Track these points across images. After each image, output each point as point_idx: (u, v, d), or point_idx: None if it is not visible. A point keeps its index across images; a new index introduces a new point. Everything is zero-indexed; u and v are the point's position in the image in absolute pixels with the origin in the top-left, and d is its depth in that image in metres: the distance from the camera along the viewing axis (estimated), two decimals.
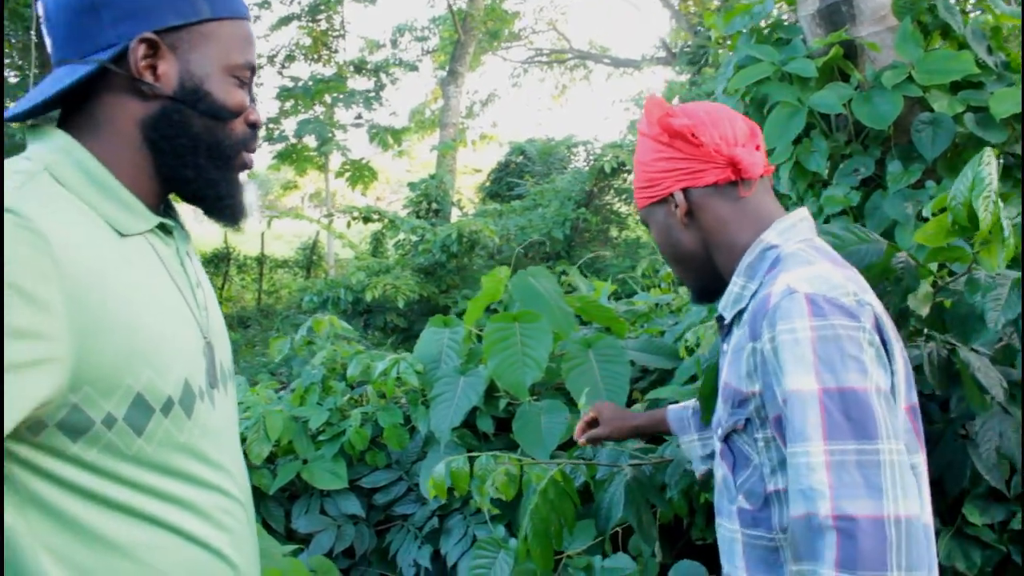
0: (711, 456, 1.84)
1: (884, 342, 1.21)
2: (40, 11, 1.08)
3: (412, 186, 12.48)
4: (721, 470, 1.39)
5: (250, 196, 1.27)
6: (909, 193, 2.30)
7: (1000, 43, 2.45)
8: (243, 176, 1.20)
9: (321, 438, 2.91)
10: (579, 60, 25.04)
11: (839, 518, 1.09)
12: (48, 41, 1.08)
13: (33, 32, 11.11)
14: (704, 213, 1.38)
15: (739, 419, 1.30)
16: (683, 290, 3.82)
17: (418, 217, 11.52)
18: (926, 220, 2.27)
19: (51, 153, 1.03)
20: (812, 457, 1.13)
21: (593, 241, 11.19)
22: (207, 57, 1.09)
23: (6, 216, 0.90)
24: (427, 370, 2.84)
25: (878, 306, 1.25)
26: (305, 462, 2.88)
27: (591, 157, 12.73)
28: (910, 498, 1.11)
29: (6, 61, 13.31)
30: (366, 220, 10.07)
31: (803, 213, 1.39)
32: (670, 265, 1.50)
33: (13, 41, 13.13)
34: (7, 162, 1.01)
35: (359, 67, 16.94)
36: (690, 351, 2.95)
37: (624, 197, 11.68)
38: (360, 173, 14.52)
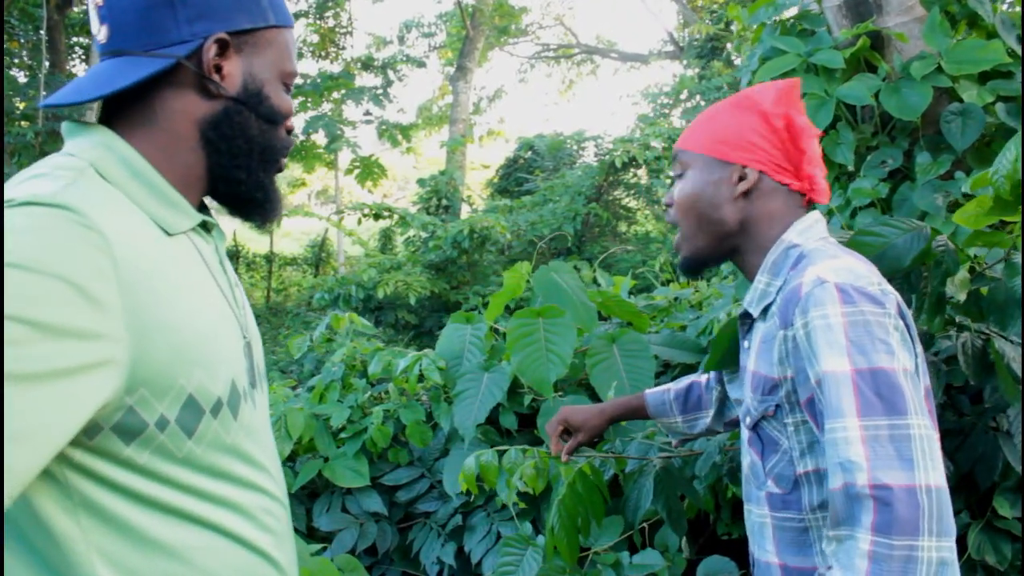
0: (699, 434, 1.96)
1: (907, 327, 1.31)
2: None
3: (422, 182, 12.47)
4: (749, 457, 1.47)
5: None
6: (938, 184, 2.27)
7: None
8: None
9: (342, 436, 2.90)
10: (586, 55, 25.02)
11: (876, 487, 1.16)
12: (102, 28, 1.05)
13: (43, 31, 11.14)
14: (761, 202, 1.45)
15: (769, 405, 1.38)
16: (703, 284, 3.80)
17: (428, 213, 11.50)
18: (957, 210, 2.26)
19: (94, 148, 1.01)
20: (849, 432, 1.20)
21: (603, 236, 11.16)
22: (267, 62, 1.11)
23: (65, 213, 0.88)
24: (449, 366, 2.82)
25: (896, 293, 1.34)
26: (327, 460, 2.87)
27: (601, 152, 12.70)
28: (938, 469, 1.18)
29: (15, 60, 13.34)
30: (376, 217, 10.05)
31: (817, 215, 1.47)
32: (684, 217, 1.52)
33: (22, 41, 13.15)
34: (47, 160, 0.99)
35: (367, 64, 16.92)
36: None
37: (633, 192, 11.65)
38: (369, 170, 14.51)
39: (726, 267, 2.83)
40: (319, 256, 16.81)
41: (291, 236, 20.45)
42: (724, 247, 1.50)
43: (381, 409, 2.89)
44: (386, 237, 13.54)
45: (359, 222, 10.26)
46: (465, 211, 12.49)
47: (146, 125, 1.05)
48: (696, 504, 2.34)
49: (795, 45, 2.46)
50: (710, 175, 1.47)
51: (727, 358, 1.75)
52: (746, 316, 1.49)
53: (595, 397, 2.69)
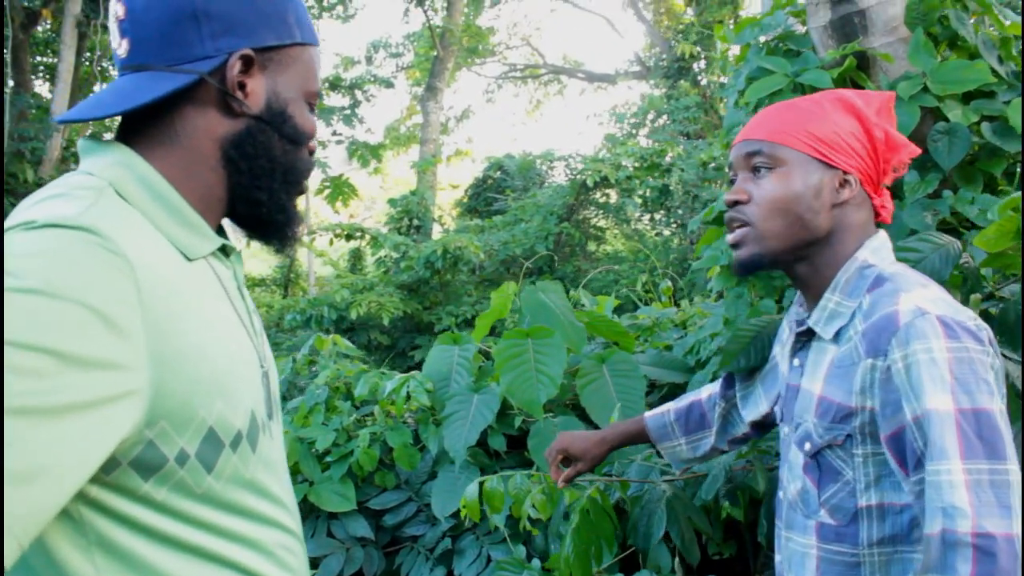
0: (703, 457, 1.89)
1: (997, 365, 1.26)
2: (117, 10, 1.02)
3: (392, 202, 12.43)
4: (800, 483, 1.39)
5: None
6: (927, 203, 2.29)
7: (1010, 53, 2.45)
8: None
9: (328, 459, 2.86)
10: (553, 75, 25.14)
11: (979, 535, 1.12)
12: (123, 43, 1.01)
13: (7, 51, 10.99)
14: (854, 212, 1.39)
15: (839, 434, 1.31)
16: (685, 303, 3.81)
17: (400, 234, 11.47)
18: (947, 229, 2.28)
19: (112, 168, 0.97)
20: (953, 475, 1.15)
21: (575, 256, 11.19)
22: (292, 80, 1.08)
23: (87, 235, 0.84)
24: (437, 388, 2.80)
25: (989, 329, 1.28)
26: (311, 484, 2.83)
27: (572, 172, 12.75)
28: None
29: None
30: (349, 237, 10.00)
31: (884, 235, 1.42)
32: (771, 215, 1.38)
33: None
34: (64, 179, 0.95)
35: (335, 84, 16.89)
36: (701, 364, 2.94)
37: (604, 211, 11.70)
38: (340, 190, 14.45)
39: (715, 285, 2.83)
40: (287, 277, 16.68)
41: (258, 256, 20.23)
42: (797, 254, 1.40)
43: (367, 432, 2.86)
44: (356, 257, 13.47)
45: (331, 243, 10.21)
46: (436, 231, 12.47)
47: (166, 143, 1.01)
48: (701, 530, 2.33)
49: (782, 65, 2.48)
50: (811, 177, 1.37)
51: (740, 362, 1.74)
52: (805, 334, 1.42)
53: (585, 417, 2.68)
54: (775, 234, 1.38)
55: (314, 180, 15.21)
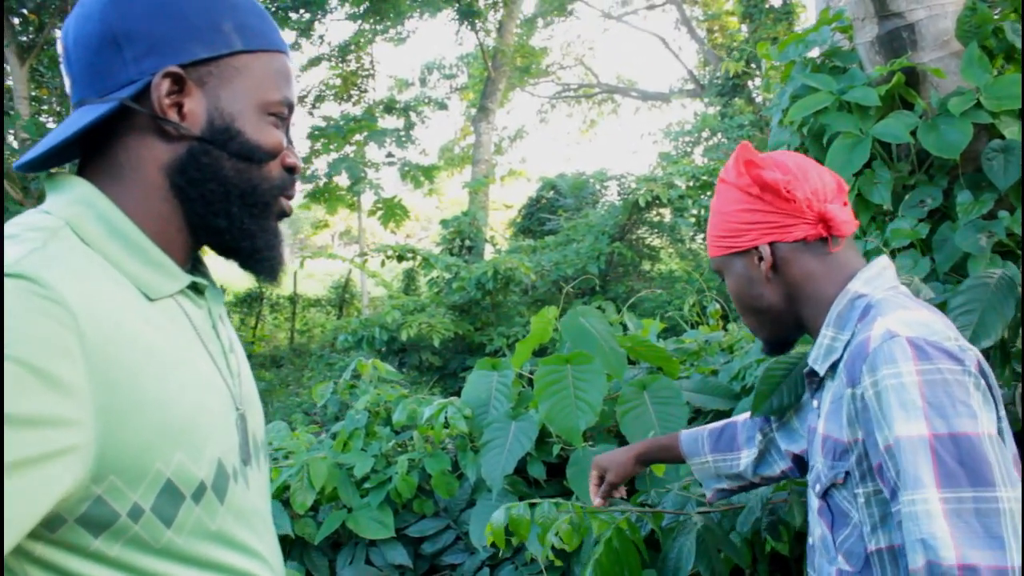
0: (732, 479, 1.83)
1: (989, 386, 1.19)
2: (59, 49, 0.99)
3: (444, 223, 12.47)
4: (820, 528, 1.36)
5: (285, 247, 1.16)
6: (981, 224, 2.19)
7: None
8: (282, 225, 1.09)
9: (366, 485, 2.83)
10: (607, 94, 25.12)
11: (964, 567, 1.05)
12: (67, 82, 0.98)
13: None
14: (790, 268, 1.38)
15: (839, 472, 1.28)
16: (733, 327, 3.72)
17: (451, 254, 11.49)
18: (1003, 251, 2.18)
19: (71, 205, 0.92)
20: (929, 504, 1.09)
21: (627, 275, 11.10)
22: (239, 93, 0.98)
23: (23, 283, 0.79)
24: (475, 415, 2.75)
25: (975, 349, 1.22)
26: (350, 510, 2.80)
27: (623, 191, 12.68)
28: None
29: (44, 107, 13.47)
30: (400, 258, 10.04)
31: (885, 262, 1.39)
32: (743, 315, 1.48)
33: (51, 88, 13.30)
34: (22, 218, 0.91)
35: (389, 106, 17.05)
36: (746, 391, 2.85)
37: (657, 231, 11.60)
38: (392, 211, 14.55)
39: None
40: (342, 297, 16.84)
41: (315, 277, 20.51)
42: (789, 322, 1.43)
43: (406, 458, 2.82)
44: (409, 278, 13.54)
45: (383, 264, 10.26)
46: (488, 252, 12.48)
47: (116, 176, 0.96)
48: (734, 559, 2.24)
49: (827, 83, 2.40)
50: (736, 271, 1.43)
51: (773, 403, 1.69)
52: (813, 374, 1.41)
53: (625, 444, 2.61)
54: (756, 327, 1.47)
55: (367, 202, 15.34)
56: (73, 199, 0.93)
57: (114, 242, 0.92)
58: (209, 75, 0.97)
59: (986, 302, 1.77)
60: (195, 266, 1.07)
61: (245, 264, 1.05)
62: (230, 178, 0.99)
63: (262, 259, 1.04)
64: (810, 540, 1.43)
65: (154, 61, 0.95)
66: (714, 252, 1.46)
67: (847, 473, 1.26)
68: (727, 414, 2.82)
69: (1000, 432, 1.16)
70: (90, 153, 0.98)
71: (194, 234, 1.01)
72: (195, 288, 1.02)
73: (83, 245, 0.90)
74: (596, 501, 1.91)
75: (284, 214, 1.07)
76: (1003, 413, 1.21)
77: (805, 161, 1.40)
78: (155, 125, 0.96)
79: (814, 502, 1.38)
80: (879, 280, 1.35)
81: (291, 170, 1.06)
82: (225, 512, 0.95)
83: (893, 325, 1.20)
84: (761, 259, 1.38)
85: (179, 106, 0.96)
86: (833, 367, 1.34)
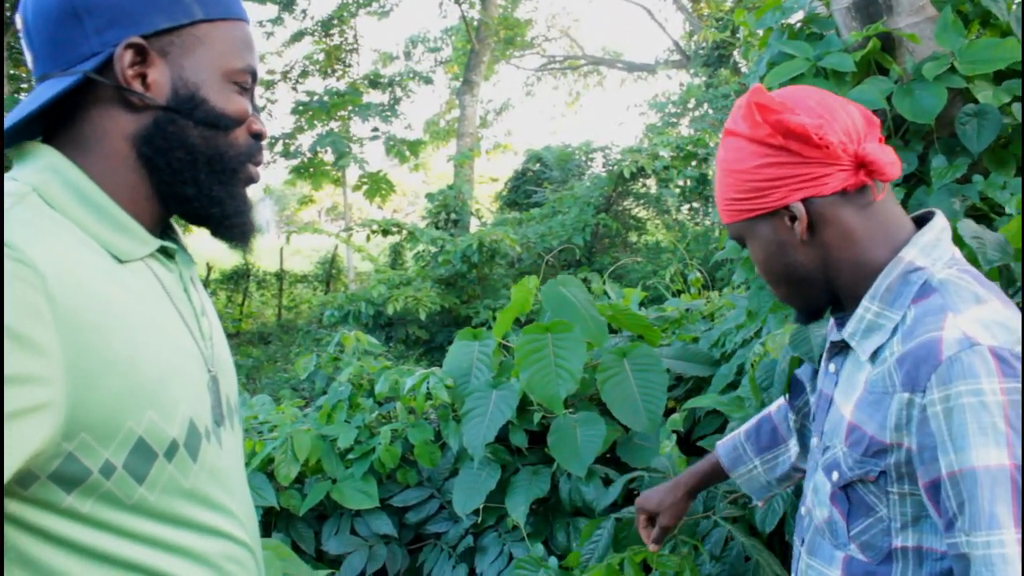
0: (784, 478, 1.66)
1: None
2: (19, 24, 0.99)
3: (430, 197, 12.44)
4: (827, 511, 1.22)
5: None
6: (955, 188, 2.20)
7: None
8: (251, 191, 1.10)
9: (350, 457, 2.84)
10: (592, 66, 25.01)
11: None
12: (29, 57, 0.99)
13: None
14: (829, 227, 1.16)
15: (872, 471, 1.12)
16: (714, 295, 3.73)
17: (437, 228, 11.47)
18: (976, 215, 2.19)
19: (39, 173, 0.93)
20: (1007, 548, 0.95)
21: (613, 247, 11.11)
22: (202, 62, 1.00)
23: None
24: (457, 384, 2.77)
25: None
26: (334, 481, 2.81)
27: (609, 163, 12.66)
28: None
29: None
30: (385, 233, 10.01)
31: (942, 223, 1.18)
32: (772, 286, 1.29)
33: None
34: None
35: (373, 81, 16.93)
36: (726, 357, 2.87)
37: (643, 202, 11.60)
38: (378, 186, 14.49)
39: (737, 276, 2.76)
40: (329, 273, 16.80)
41: (301, 253, 20.45)
42: (825, 291, 1.23)
43: (389, 429, 2.83)
44: (396, 253, 13.52)
45: (368, 238, 10.23)
46: (474, 225, 12.46)
47: (83, 148, 0.97)
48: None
49: (803, 49, 2.40)
50: (764, 236, 1.22)
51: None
52: (838, 343, 1.25)
53: (607, 412, 2.63)
54: (788, 296, 1.28)
55: (352, 175, 15.28)
56: (40, 167, 0.94)
57: (82, 207, 0.93)
58: (171, 45, 0.98)
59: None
60: (166, 233, 1.08)
61: (216, 231, 1.06)
62: (197, 146, 1.00)
63: (232, 225, 1.06)
64: (802, 510, 1.32)
65: (116, 32, 0.95)
66: (731, 217, 1.24)
67: (882, 472, 1.11)
68: (707, 380, 2.84)
69: None
70: (55, 127, 0.99)
71: (163, 203, 1.02)
72: (165, 253, 1.03)
73: (51, 210, 0.91)
74: (652, 547, 1.76)
75: (252, 180, 1.08)
76: None
77: (826, 96, 1.20)
78: (119, 96, 0.97)
79: (823, 482, 1.23)
80: (937, 250, 1.14)
81: (258, 136, 1.07)
82: (199, 471, 0.97)
83: (971, 329, 1.01)
84: (794, 219, 1.17)
85: (143, 77, 0.97)
86: (876, 351, 1.15)
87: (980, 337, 1.00)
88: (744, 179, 1.19)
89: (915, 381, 1.03)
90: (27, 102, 0.96)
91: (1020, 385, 0.97)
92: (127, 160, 0.98)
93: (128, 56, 0.96)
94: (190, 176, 1.00)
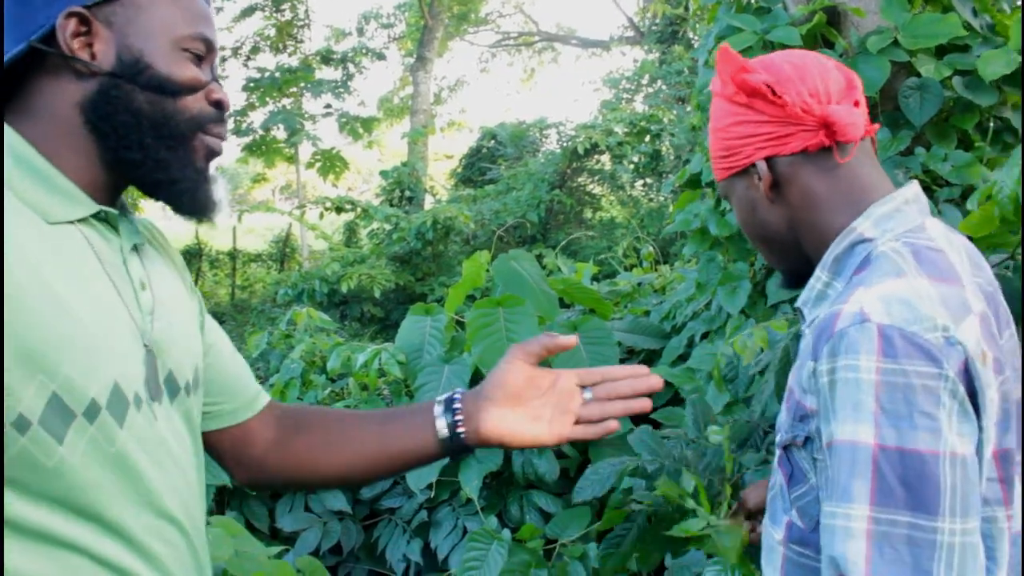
0: None
1: (974, 391, 0.99)
2: None
3: (384, 174, 12.37)
4: (778, 476, 1.21)
5: (220, 191, 1.15)
6: (899, 160, 2.24)
7: (985, 5, 2.40)
8: (211, 166, 1.08)
9: None
10: (547, 43, 24.95)
11: None
12: None
13: None
14: (792, 186, 1.17)
15: (799, 435, 1.11)
16: (666, 269, 3.77)
17: (391, 205, 11.41)
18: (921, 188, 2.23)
19: None
20: (853, 521, 0.96)
21: (568, 223, 11.13)
22: (147, 29, 1.00)
23: None
24: (410, 360, 2.77)
25: (972, 339, 1.00)
26: None
27: (564, 139, 12.67)
28: None
29: None
30: (339, 210, 9.95)
31: (910, 194, 1.14)
32: (754, 245, 1.30)
33: None
34: None
35: (326, 57, 16.73)
36: (677, 329, 2.90)
37: (597, 178, 11.63)
38: (331, 163, 14.36)
39: (688, 249, 2.79)
40: (283, 252, 16.64)
41: (255, 232, 20.21)
42: (799, 253, 1.22)
43: (342, 405, 2.83)
44: (350, 231, 13.43)
45: (321, 216, 10.16)
46: (429, 202, 12.42)
47: (30, 116, 0.98)
48: None
49: (751, 23, 2.42)
50: (739, 194, 1.24)
51: None
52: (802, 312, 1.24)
53: None
54: (767, 258, 1.30)
55: (305, 153, 15.14)
56: None
57: (16, 168, 0.94)
58: (114, 14, 0.99)
59: None
60: (122, 211, 1.07)
61: (167, 199, 1.05)
62: (142, 110, 1.00)
63: (181, 192, 1.04)
64: (771, 480, 1.30)
65: (62, 4, 0.97)
66: (717, 176, 1.27)
67: (807, 438, 1.10)
68: (658, 353, 2.87)
69: (979, 448, 1.00)
70: (8, 98, 0.99)
71: (112, 170, 1.02)
72: (107, 222, 1.02)
73: None
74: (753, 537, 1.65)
75: (212, 152, 1.07)
76: (991, 411, 1.01)
77: (806, 58, 1.18)
78: (67, 65, 0.98)
79: (776, 450, 1.22)
80: (893, 221, 1.12)
81: (218, 105, 1.07)
82: (127, 438, 0.95)
83: (869, 304, 1.00)
84: (760, 178, 1.18)
85: (89, 46, 0.98)
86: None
87: (874, 314, 0.99)
88: (721, 137, 1.22)
89: (815, 350, 1.04)
90: None
91: (899, 367, 0.96)
92: (75, 127, 0.99)
93: (71, 25, 0.97)
94: (135, 140, 1.00)
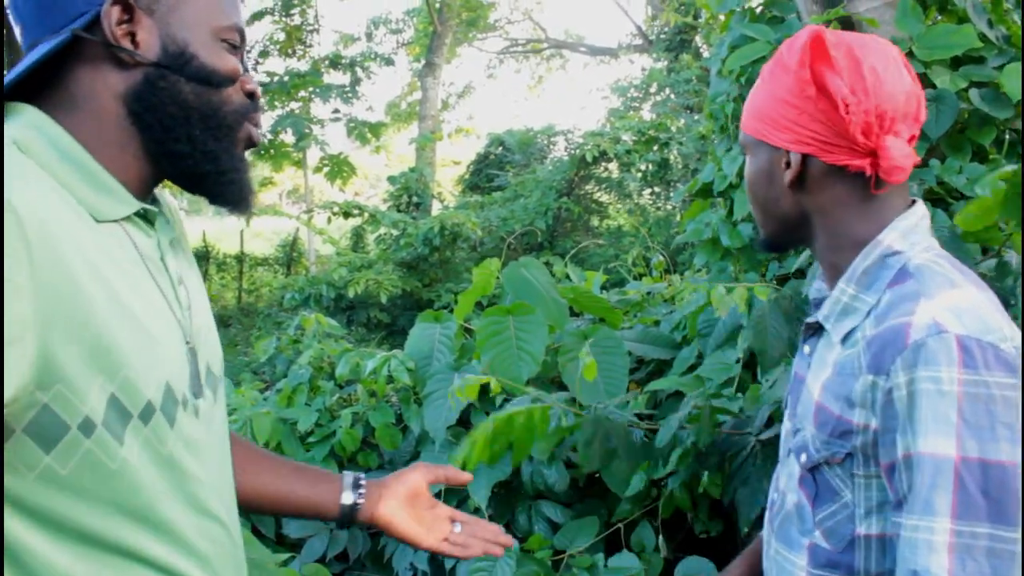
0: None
1: None
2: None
3: (392, 180, 12.38)
4: (795, 496, 1.20)
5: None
6: (913, 173, 2.22)
7: (1001, 16, 2.39)
8: (247, 155, 1.09)
9: (311, 440, 2.83)
10: (555, 50, 24.96)
11: None
12: (17, 29, 0.97)
13: None
14: (819, 190, 1.15)
15: (838, 452, 1.10)
16: (676, 278, 3.75)
17: (399, 211, 11.41)
18: (933, 199, 2.22)
19: (20, 129, 0.91)
20: (936, 535, 0.95)
21: (575, 231, 11.13)
22: (189, 19, 0.99)
23: None
24: (419, 367, 2.76)
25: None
26: None
27: (571, 146, 12.67)
28: None
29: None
30: (346, 215, 9.95)
31: (922, 210, 1.15)
32: (751, 205, 1.28)
33: None
34: None
35: (334, 62, 16.76)
36: (687, 340, 2.89)
37: (605, 186, 11.63)
38: (339, 168, 14.37)
39: (698, 259, 2.78)
40: (290, 256, 16.66)
41: (262, 236, 20.26)
42: (795, 236, 1.23)
43: (350, 412, 2.82)
44: (357, 236, 13.44)
45: (329, 221, 10.17)
46: (436, 208, 12.42)
47: (71, 107, 0.96)
48: (674, 503, 2.29)
49: (765, 32, 2.42)
50: (761, 161, 1.20)
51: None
52: (814, 325, 1.23)
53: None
54: (760, 220, 1.27)
55: (312, 158, 15.16)
56: (23, 124, 0.92)
57: (63, 164, 0.92)
58: (156, 2, 0.98)
59: None
60: (152, 202, 1.06)
61: (211, 191, 1.05)
62: (190, 102, 0.99)
63: (229, 183, 1.04)
64: (773, 495, 1.30)
65: None
66: (745, 127, 1.22)
67: (848, 454, 1.09)
68: (668, 363, 2.86)
69: None
70: (42, 89, 0.97)
71: (154, 163, 1.01)
72: (145, 218, 1.01)
73: (30, 161, 0.90)
74: None
75: (252, 143, 1.07)
76: None
77: (889, 62, 1.11)
78: (109, 54, 0.96)
79: (793, 466, 1.22)
80: (917, 233, 1.12)
81: (252, 96, 1.06)
82: (176, 439, 0.95)
83: (941, 315, 1.00)
84: (788, 165, 1.15)
85: (132, 35, 0.96)
86: (848, 333, 1.13)
87: (949, 324, 0.99)
88: (770, 102, 1.16)
89: (880, 364, 1.03)
90: (16, 68, 0.94)
91: (980, 378, 0.96)
92: (117, 119, 0.97)
93: (115, 13, 0.95)
94: (183, 133, 0.99)
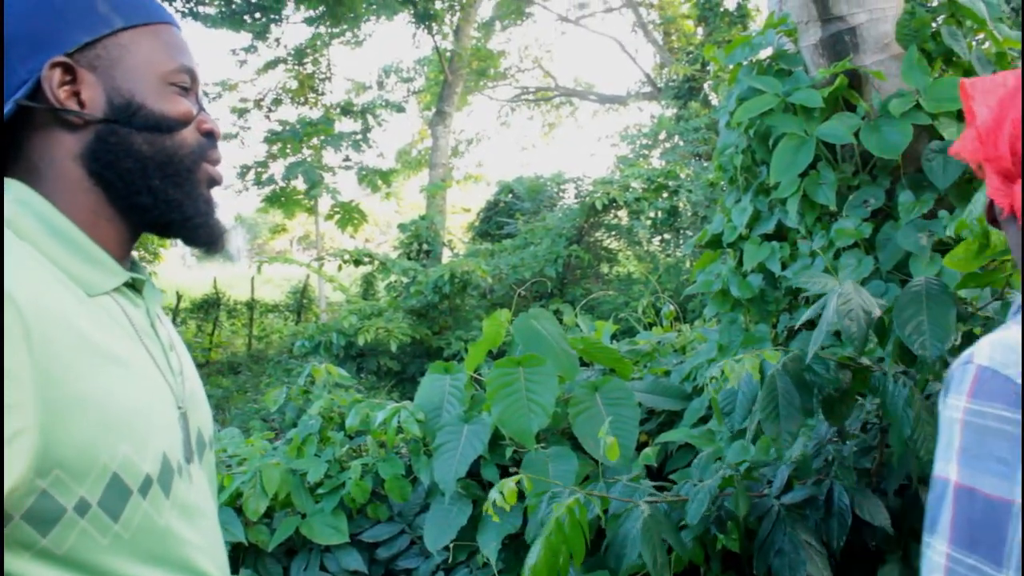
0: None
1: None
2: None
3: (402, 227, 12.44)
4: None
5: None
6: (922, 224, 2.24)
7: (1006, 67, 2.40)
8: (213, 193, 1.07)
9: (320, 491, 2.81)
10: (564, 97, 25.18)
11: None
12: None
13: None
14: (1004, 230, 1.13)
15: None
16: (686, 328, 3.75)
17: (409, 258, 11.45)
18: (943, 250, 2.22)
19: (9, 206, 0.92)
20: (935, 555, 0.97)
21: (586, 278, 11.14)
22: (133, 68, 0.98)
23: None
24: (428, 418, 2.75)
25: None
26: (304, 516, 2.78)
27: (581, 194, 12.72)
28: None
29: None
30: (357, 263, 9.99)
31: None
32: None
33: None
34: None
35: (346, 109, 16.96)
36: (698, 391, 2.88)
37: (615, 233, 11.65)
38: (350, 215, 14.49)
39: (709, 310, 2.78)
40: (300, 303, 16.70)
41: (272, 283, 20.34)
42: None
43: (359, 463, 2.81)
44: (367, 283, 13.48)
45: (340, 268, 10.21)
46: (446, 255, 12.46)
47: (40, 179, 0.95)
48: (682, 555, 2.26)
49: (773, 85, 2.44)
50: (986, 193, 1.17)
51: None
52: None
53: (578, 447, 2.62)
54: None
55: (324, 204, 15.27)
56: (11, 200, 0.92)
57: (52, 239, 0.92)
58: (97, 58, 0.97)
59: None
60: (132, 266, 1.06)
61: (182, 236, 1.05)
62: (144, 152, 0.98)
63: (195, 227, 1.04)
64: None
65: (40, 57, 0.94)
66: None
67: None
68: (679, 415, 2.84)
69: None
70: (11, 161, 0.97)
71: (125, 219, 1.00)
72: (132, 287, 1.02)
73: (20, 241, 0.89)
74: None
75: (214, 181, 1.06)
76: None
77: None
78: (58, 118, 0.96)
79: None
80: None
81: (210, 135, 1.06)
82: (171, 507, 0.95)
83: (979, 347, 1.01)
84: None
85: (76, 95, 0.96)
86: None
87: (978, 356, 1.00)
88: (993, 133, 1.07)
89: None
90: None
91: (980, 409, 0.97)
92: (80, 182, 0.97)
93: (56, 76, 0.95)
94: (143, 185, 0.99)
